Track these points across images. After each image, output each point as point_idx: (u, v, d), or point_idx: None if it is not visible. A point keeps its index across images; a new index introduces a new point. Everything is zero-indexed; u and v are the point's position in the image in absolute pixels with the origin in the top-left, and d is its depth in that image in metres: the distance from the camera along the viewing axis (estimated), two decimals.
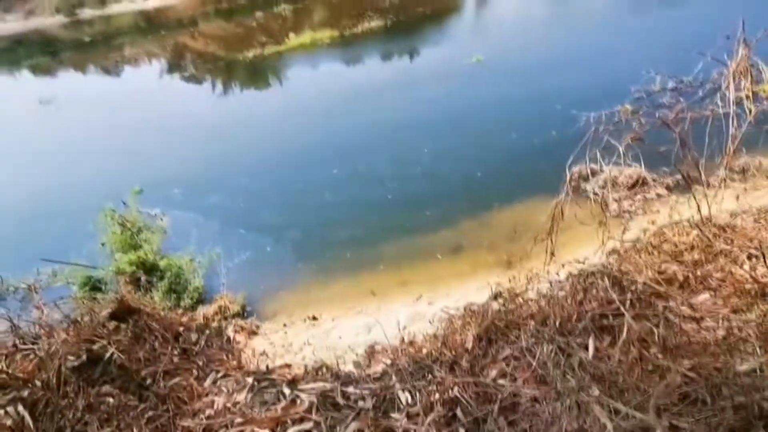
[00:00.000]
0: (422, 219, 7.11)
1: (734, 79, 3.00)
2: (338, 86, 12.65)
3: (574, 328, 2.24)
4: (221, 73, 15.35)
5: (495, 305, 2.56)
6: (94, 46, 21.59)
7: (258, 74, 15.00)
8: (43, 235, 8.23)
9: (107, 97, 15.29)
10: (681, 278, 2.44)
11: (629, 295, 2.30)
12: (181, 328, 2.94)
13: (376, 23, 16.62)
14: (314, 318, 6.05)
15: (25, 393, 2.29)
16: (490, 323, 2.38)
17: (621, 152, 2.81)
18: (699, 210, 2.82)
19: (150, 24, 23.73)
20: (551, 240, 2.90)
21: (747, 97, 3.09)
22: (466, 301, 5.16)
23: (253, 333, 5.98)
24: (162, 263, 6.78)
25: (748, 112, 3.03)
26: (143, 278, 6.70)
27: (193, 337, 2.88)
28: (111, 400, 2.32)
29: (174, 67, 17.05)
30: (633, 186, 7.50)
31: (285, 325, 6.00)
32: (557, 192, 7.03)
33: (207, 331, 3.06)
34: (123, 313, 2.81)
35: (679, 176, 6.75)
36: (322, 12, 20.17)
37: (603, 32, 13.03)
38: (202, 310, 6.10)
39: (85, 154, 11.05)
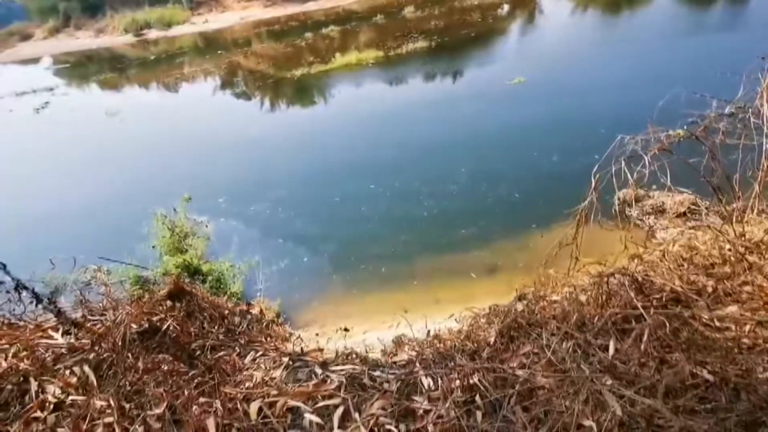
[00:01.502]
0: (458, 237, 7.26)
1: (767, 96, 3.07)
2: (380, 104, 13.22)
3: (594, 327, 2.36)
4: (269, 90, 16.43)
5: (519, 306, 2.71)
6: (157, 64, 23.73)
7: (304, 92, 15.93)
8: (102, 235, 9.12)
9: (166, 110, 16.76)
10: (710, 290, 2.50)
11: (653, 301, 2.40)
12: (227, 311, 3.31)
13: (420, 44, 17.27)
14: (346, 329, 6.30)
15: (91, 356, 2.71)
16: (512, 321, 2.54)
17: (647, 162, 2.94)
18: (732, 224, 2.87)
19: (208, 44, 25.79)
20: (576, 245, 3.02)
21: None
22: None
23: (285, 340, 6.31)
24: (205, 267, 7.33)
25: None
26: (188, 280, 7.29)
27: (237, 320, 3.23)
28: (165, 366, 2.69)
29: (227, 84, 18.43)
30: (682, 214, 7.34)
31: (317, 334, 6.28)
32: (605, 212, 7.04)
33: (249, 316, 3.41)
34: (177, 293, 3.22)
35: (743, 202, 6.63)
36: (368, 33, 21.19)
37: (651, 56, 12.90)
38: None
39: (143, 162, 12.16)
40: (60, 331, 2.91)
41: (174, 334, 2.85)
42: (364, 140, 11.01)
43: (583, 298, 2.56)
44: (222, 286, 7.03)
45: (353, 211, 8.35)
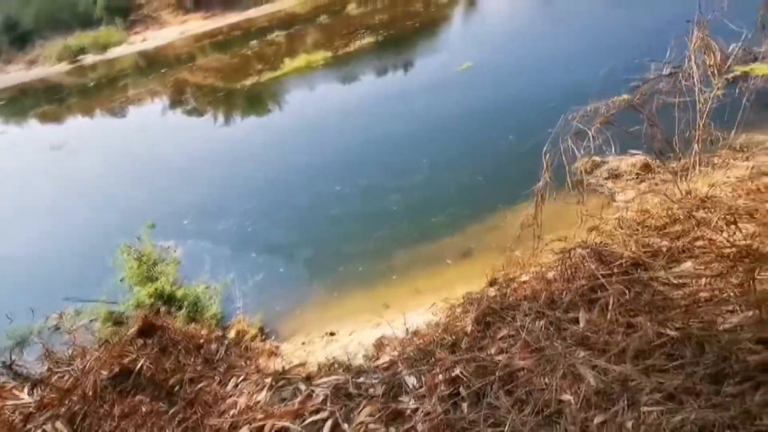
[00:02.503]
0: (429, 227, 7.31)
1: (694, 57, 3.22)
2: (334, 105, 13.12)
3: (564, 303, 2.43)
4: (221, 104, 16.00)
5: (491, 291, 2.75)
6: (98, 90, 22.65)
7: (257, 101, 15.60)
8: (64, 276, 8.67)
9: (114, 137, 16.05)
10: (665, 249, 2.61)
11: (614, 269, 2.48)
12: (202, 341, 3.21)
13: (367, 40, 17.21)
14: (332, 334, 6.24)
15: (62, 410, 2.57)
16: (486, 307, 2.58)
17: (591, 136, 3.03)
18: (677, 184, 3.00)
19: (150, 63, 24.81)
20: (537, 225, 3.08)
21: (712, 74, 3.29)
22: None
23: (272, 354, 6.20)
24: (179, 293, 7.09)
25: (715, 88, 3.23)
26: (162, 308, 7.05)
27: (214, 347, 3.13)
28: (144, 407, 2.58)
29: (176, 102, 17.82)
30: (637, 175, 7.64)
31: (304, 343, 6.20)
32: (560, 187, 7.26)
33: (226, 341, 3.31)
34: (148, 330, 3.09)
35: (685, 160, 6.97)
36: (314, 35, 20.91)
37: (591, 29, 13.33)
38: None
39: (98, 195, 11.61)
40: (26, 389, 2.75)
41: (149, 373, 2.74)
42: (324, 142, 10.90)
43: (550, 275, 2.63)
44: (199, 310, 6.83)
45: (323, 215, 8.27)
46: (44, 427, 2.53)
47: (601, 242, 2.69)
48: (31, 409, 2.67)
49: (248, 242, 8.13)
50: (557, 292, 2.50)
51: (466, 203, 7.56)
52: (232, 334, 6.25)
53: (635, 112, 4.38)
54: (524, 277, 2.74)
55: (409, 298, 6.34)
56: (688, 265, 2.51)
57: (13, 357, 2.81)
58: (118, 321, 7.31)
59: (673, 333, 2.16)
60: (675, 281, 2.44)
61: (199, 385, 2.73)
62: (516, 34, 14.60)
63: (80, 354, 2.98)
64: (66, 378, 2.76)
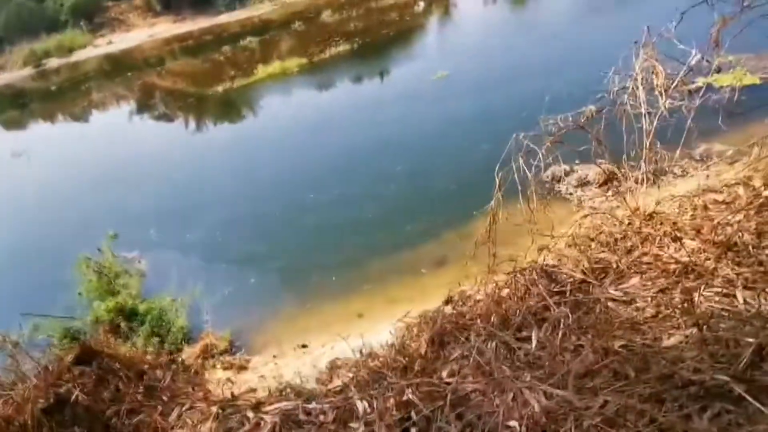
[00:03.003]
0: (403, 235, 7.28)
1: (641, 79, 3.29)
2: (308, 112, 13.00)
3: (516, 322, 2.42)
4: (192, 110, 15.67)
5: (447, 309, 2.72)
6: (62, 94, 21.87)
7: (229, 108, 15.35)
8: (23, 288, 8.27)
9: (77, 143, 15.52)
10: (614, 265, 2.63)
11: (568, 287, 2.50)
12: (146, 366, 3.06)
13: (343, 48, 17.16)
14: (304, 346, 6.12)
15: None
16: (440, 327, 2.54)
17: (541, 155, 3.06)
18: (625, 201, 3.04)
19: (116, 66, 24.12)
20: (491, 242, 3.07)
21: (660, 93, 3.38)
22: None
23: (242, 368, 6.03)
24: (142, 307, 6.84)
25: (663, 107, 3.31)
26: (123, 324, 6.77)
27: (158, 374, 2.99)
28: None
29: (143, 107, 17.35)
30: (604, 183, 7.81)
31: (275, 356, 6.06)
32: (531, 197, 7.35)
33: (173, 366, 3.17)
34: (87, 356, 2.92)
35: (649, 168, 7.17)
36: (289, 41, 20.73)
37: (562, 39, 13.63)
38: (188, 350, 6.17)
39: (59, 204, 11.17)
40: None
41: (86, 404, 2.59)
42: (297, 150, 10.78)
43: (504, 293, 2.62)
44: (164, 324, 6.59)
45: (295, 224, 8.16)
46: None
47: (551, 262, 2.70)
48: None
49: (218, 253, 7.93)
50: (510, 311, 2.49)
51: (441, 211, 7.57)
52: (194, 352, 6.05)
53: (595, 124, 4.47)
54: (479, 296, 2.72)
55: (383, 307, 6.28)
56: (635, 281, 2.55)
57: None
58: (75, 338, 7.02)
59: (619, 350, 2.17)
60: (623, 298, 2.46)
61: (139, 417, 2.59)
62: (489, 44, 14.81)
63: (21, 379, 2.81)
64: (10, 403, 2.59)
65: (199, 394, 2.84)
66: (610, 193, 7.41)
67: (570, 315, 2.32)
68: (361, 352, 2.94)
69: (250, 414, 2.49)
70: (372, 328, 5.98)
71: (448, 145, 9.40)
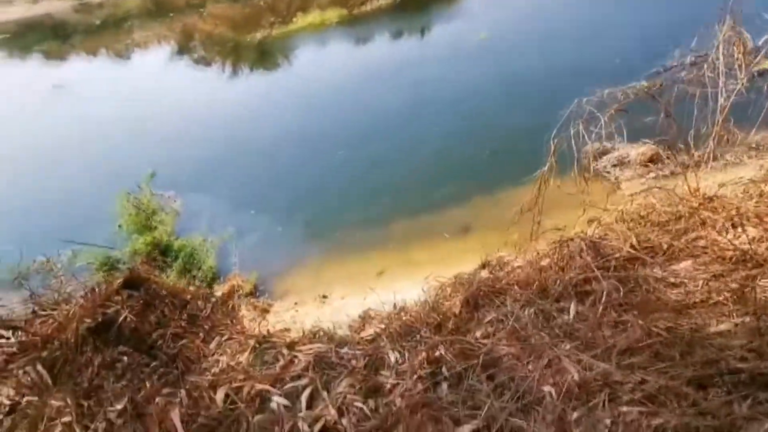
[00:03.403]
0: (430, 199, 7.19)
1: (723, 49, 3.00)
2: (346, 66, 12.68)
3: (556, 292, 2.36)
4: (230, 55, 15.48)
5: (483, 273, 2.68)
6: (104, 30, 21.88)
7: (266, 55, 15.08)
8: (62, 218, 8.61)
9: (119, 80, 15.62)
10: (665, 247, 2.51)
11: (612, 262, 2.40)
12: (189, 297, 3.18)
13: (385, 1, 16.43)
14: (324, 297, 6.26)
15: (44, 354, 2.57)
16: (476, 289, 2.51)
17: (603, 122, 2.86)
18: (686, 180, 2.85)
19: (159, 6, 23.85)
20: (537, 210, 2.96)
21: (739, 66, 3.08)
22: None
23: (265, 311, 6.24)
24: (176, 244, 7.08)
25: (740, 82, 3.03)
26: (159, 258, 7.05)
27: (200, 305, 3.11)
28: (125, 358, 2.58)
29: (183, 49, 17.24)
30: (645, 164, 7.44)
31: (296, 303, 6.24)
32: (566, 173, 7.08)
33: (213, 300, 3.29)
34: (135, 282, 3.05)
35: (698, 155, 6.77)
36: None
37: (617, 7, 12.63)
38: (217, 289, 6.42)
39: (99, 138, 11.40)
40: (11, 330, 2.74)
41: (132, 326, 2.72)
42: (331, 105, 10.59)
43: (545, 262, 2.55)
44: (195, 262, 6.83)
45: (324, 179, 8.14)
46: (26, 368, 2.53)
47: (600, 235, 2.59)
48: (14, 349, 2.67)
49: (248, 199, 8.03)
50: (550, 280, 2.43)
51: (471, 178, 7.39)
52: (220, 292, 6.28)
53: (652, 102, 4.16)
54: (518, 262, 2.66)
55: (403, 267, 6.32)
56: (686, 264, 2.43)
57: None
58: (114, 267, 7.37)
59: (662, 332, 2.10)
60: (671, 279, 2.36)
61: (182, 342, 2.72)
62: (538, 7, 13.89)
63: (65, 300, 2.96)
64: (50, 322, 2.74)
65: (237, 327, 2.95)
66: (651, 175, 7.10)
67: (613, 291, 2.24)
68: (394, 305, 2.97)
69: (285, 351, 2.58)
70: (390, 286, 6.09)
71: (485, 111, 9.06)
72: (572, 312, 2.28)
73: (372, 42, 14.23)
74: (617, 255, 2.42)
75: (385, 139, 8.77)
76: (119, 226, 7.66)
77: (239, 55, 15.40)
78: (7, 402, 2.42)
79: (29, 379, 2.50)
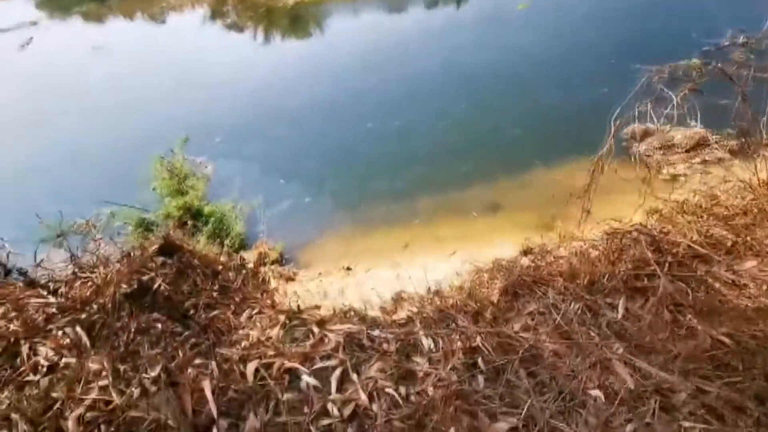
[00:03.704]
0: (458, 175, 6.97)
1: None
2: (379, 35, 12.19)
3: (605, 287, 2.17)
4: (262, 21, 15.12)
5: (525, 261, 2.50)
6: None
7: (298, 22, 14.66)
8: (100, 179, 8.78)
9: (153, 43, 15.58)
10: (729, 243, 2.26)
11: (669, 257, 2.17)
12: (220, 267, 3.14)
13: None
14: (349, 268, 6.23)
15: (83, 316, 2.58)
16: (517, 278, 2.34)
17: (675, 103, 2.55)
18: (756, 172, 2.54)
19: None
20: (588, 197, 2.71)
21: None
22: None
23: (290, 279, 6.28)
24: (206, 209, 7.13)
25: None
26: (189, 222, 7.13)
27: (231, 276, 3.07)
28: (159, 325, 2.57)
29: (216, 13, 16.96)
30: (692, 148, 6.95)
31: (320, 273, 6.23)
32: (608, 160, 6.66)
33: (244, 271, 3.25)
34: (169, 249, 3.03)
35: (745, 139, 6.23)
36: None
37: None
38: (245, 255, 6.46)
39: (135, 101, 11.46)
40: (50, 290, 2.77)
41: (166, 293, 2.70)
42: (361, 75, 10.24)
43: (593, 254, 2.33)
44: (224, 228, 6.88)
45: (352, 150, 7.97)
46: (65, 329, 2.56)
47: (657, 227, 2.33)
48: (54, 310, 2.71)
49: (277, 168, 7.96)
50: (599, 274, 2.23)
51: (501, 155, 7.10)
52: (251, 260, 6.31)
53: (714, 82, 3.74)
54: (562, 251, 2.45)
55: (429, 243, 6.18)
56: (750, 263, 2.17)
57: (40, 258, 2.83)
58: (148, 228, 7.51)
59: (724, 339, 1.90)
60: (734, 280, 2.12)
61: (214, 312, 2.68)
62: None
63: (103, 263, 2.96)
64: (89, 285, 2.75)
65: (267, 301, 2.90)
66: (698, 159, 6.61)
67: (670, 289, 2.03)
68: (428, 290, 2.85)
69: (315, 329, 2.51)
70: (417, 260, 5.99)
71: (519, 85, 8.60)
72: (621, 309, 2.09)
73: (405, 10, 13.61)
74: (674, 250, 2.18)
75: (414, 113, 8.46)
76: (153, 188, 7.75)
77: (271, 20, 15.03)
78: (46, 362, 2.45)
79: (68, 340, 2.53)
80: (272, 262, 6.42)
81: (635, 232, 2.26)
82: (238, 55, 13.09)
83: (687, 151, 6.77)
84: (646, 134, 7.01)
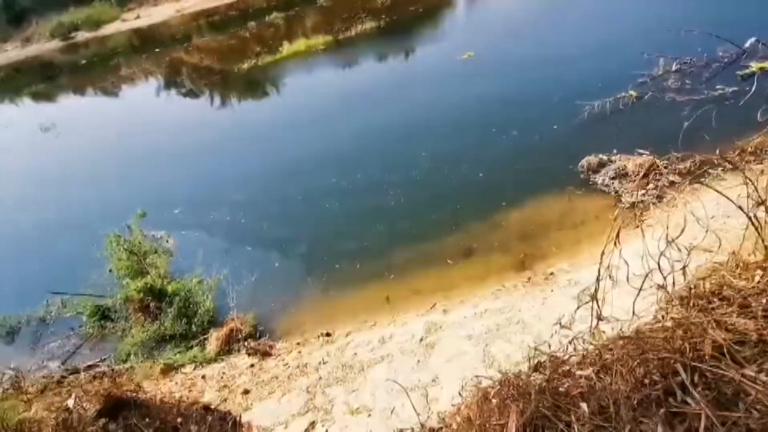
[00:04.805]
0: (428, 224, 6.83)
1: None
2: (334, 92, 12.38)
3: (640, 417, 1.81)
4: (218, 87, 15.15)
5: (537, 378, 2.12)
6: (91, 68, 21.48)
7: (254, 85, 14.76)
8: (50, 265, 8.10)
9: (106, 118, 15.16)
10: (755, 336, 1.96)
11: (696, 363, 1.86)
12: (179, 420, 2.65)
13: (369, 25, 16.26)
14: (328, 334, 5.83)
15: None
16: (534, 409, 1.94)
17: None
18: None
19: (144, 41, 23.57)
20: (596, 297, 2.32)
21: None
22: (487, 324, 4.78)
23: (266, 354, 5.81)
24: (170, 287, 6.61)
25: None
26: (152, 304, 6.54)
27: (193, 429, 2.59)
28: None
29: (170, 83, 16.88)
30: (645, 175, 7.15)
31: (299, 343, 5.78)
32: (563, 188, 6.72)
33: (209, 418, 2.75)
34: (112, 408, 2.52)
35: (692, 160, 6.46)
36: (314, 18, 19.82)
37: (596, 19, 12.57)
38: (214, 333, 5.93)
39: (86, 180, 10.91)
40: None
41: None
42: (321, 132, 10.23)
43: (610, 359, 1.96)
44: (191, 305, 6.35)
45: (318, 209, 7.73)
46: None
47: (674, 325, 2.00)
48: None
49: (242, 235, 7.60)
50: (624, 393, 1.85)
51: (467, 200, 7.06)
52: (225, 331, 5.76)
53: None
54: (575, 359, 2.08)
55: (407, 298, 5.90)
56: None
57: None
58: (105, 315, 6.83)
59: None
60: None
61: None
62: (519, 24, 13.78)
63: None
64: None
65: None
66: (651, 186, 6.78)
67: (709, 411, 1.69)
68: (431, 430, 2.39)
69: None
70: (397, 318, 5.65)
71: (475, 130, 8.76)
72: None
73: (357, 67, 14.01)
74: (700, 352, 1.89)
75: (375, 165, 8.42)
76: (110, 270, 7.15)
77: (227, 85, 15.09)
78: None
79: None
80: (246, 337, 5.92)
81: (657, 341, 1.93)
82: (194, 122, 12.86)
83: (641, 178, 6.95)
84: (599, 165, 7.20)
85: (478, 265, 6.21)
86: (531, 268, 5.92)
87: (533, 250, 6.12)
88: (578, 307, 2.33)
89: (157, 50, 21.09)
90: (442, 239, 6.58)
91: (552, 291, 5.23)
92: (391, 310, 5.90)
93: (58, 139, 14.12)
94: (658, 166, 6.98)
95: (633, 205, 6.47)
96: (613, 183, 6.97)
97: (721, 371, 1.69)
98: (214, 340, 6.04)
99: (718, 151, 4.94)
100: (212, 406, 2.88)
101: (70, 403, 2.34)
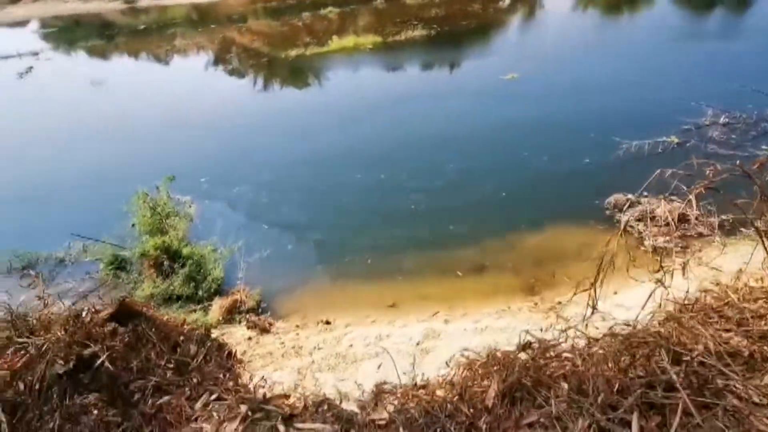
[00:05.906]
0: (445, 234, 6.75)
1: None
2: (374, 92, 12.41)
3: (617, 402, 1.82)
4: (263, 70, 15.38)
5: (522, 356, 2.15)
6: (147, 34, 22.15)
7: (298, 73, 14.94)
8: (78, 211, 8.34)
9: (154, 83, 15.59)
10: (747, 353, 1.97)
11: (683, 366, 1.85)
12: (181, 338, 2.70)
13: (420, 32, 16.26)
14: (328, 322, 5.81)
15: (9, 393, 2.09)
16: (516, 379, 1.97)
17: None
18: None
19: (202, 17, 24.18)
20: (593, 291, 2.39)
21: None
22: (483, 327, 4.70)
23: (265, 330, 5.81)
24: (185, 250, 6.68)
25: None
26: (166, 263, 6.64)
27: (192, 349, 2.62)
28: (95, 412, 2.10)
29: (220, 60, 17.24)
30: (672, 222, 6.90)
31: (298, 326, 5.78)
32: (586, 221, 6.55)
33: (208, 343, 2.81)
34: (123, 315, 2.59)
35: (725, 216, 6.20)
36: (367, 17, 19.98)
37: (648, 59, 12.25)
38: (219, 301, 5.98)
39: (126, 137, 11.21)
40: None
41: (110, 371, 2.25)
42: (355, 129, 10.24)
43: (599, 352, 2.00)
44: (202, 271, 6.42)
45: (339, 201, 7.73)
46: None
47: (672, 327, 2.03)
48: None
49: (261, 213, 7.65)
50: (607, 382, 1.88)
51: (486, 217, 6.95)
52: (230, 301, 5.82)
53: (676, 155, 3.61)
54: (565, 346, 2.12)
55: (412, 301, 5.82)
56: None
57: None
58: (121, 266, 6.97)
59: None
60: (755, 399, 1.81)
61: (164, 398, 2.22)
62: (568, 53, 13.55)
63: (44, 327, 2.48)
64: (21, 353, 2.28)
65: (230, 383, 2.45)
66: (677, 234, 6.54)
67: (690, 408, 1.70)
68: (415, 384, 2.43)
69: (281, 427, 2.07)
70: (398, 319, 5.59)
71: (506, 151, 8.64)
72: (635, 429, 1.75)
73: (401, 71, 14.00)
74: (689, 358, 1.88)
75: (401, 169, 8.36)
76: (132, 225, 7.32)
77: (272, 69, 15.31)
78: None
79: None
80: (249, 310, 5.95)
81: (649, 337, 1.96)
82: (237, 100, 13.12)
83: (667, 224, 6.72)
84: (628, 205, 6.99)
85: (488, 282, 6.10)
86: (540, 294, 5.78)
87: (545, 276, 5.96)
88: (575, 294, 2.30)
89: (212, 26, 21.62)
90: (455, 251, 6.49)
91: (556, 320, 5.11)
92: (393, 311, 5.85)
93: (107, 95, 14.55)
94: (688, 216, 6.73)
95: (654, 249, 6.27)
96: (638, 225, 6.74)
97: (708, 373, 1.62)
98: (217, 307, 6.08)
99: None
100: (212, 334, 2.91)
101: (84, 306, 2.41)
